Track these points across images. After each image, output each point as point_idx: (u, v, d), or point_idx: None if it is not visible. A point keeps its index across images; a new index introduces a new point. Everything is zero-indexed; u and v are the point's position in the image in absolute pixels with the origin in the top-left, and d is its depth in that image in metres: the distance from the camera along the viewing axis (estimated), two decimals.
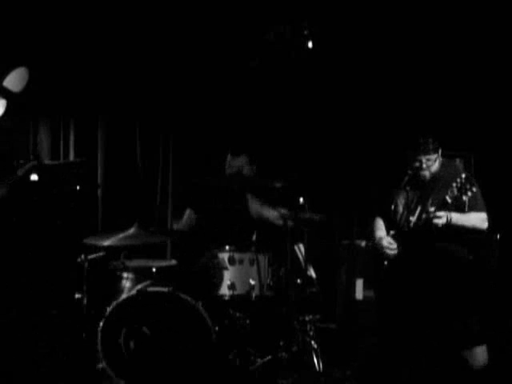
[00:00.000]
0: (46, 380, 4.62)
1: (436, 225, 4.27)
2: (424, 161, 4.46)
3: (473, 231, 4.42)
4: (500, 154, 5.77)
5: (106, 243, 4.52)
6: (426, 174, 4.50)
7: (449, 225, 4.29)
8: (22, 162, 5.23)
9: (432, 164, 4.47)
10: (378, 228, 4.71)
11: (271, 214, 4.93)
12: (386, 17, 5.57)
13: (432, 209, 4.29)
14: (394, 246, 4.48)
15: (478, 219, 4.41)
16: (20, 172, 4.93)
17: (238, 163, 5.05)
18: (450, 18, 5.53)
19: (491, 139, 5.79)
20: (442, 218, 4.25)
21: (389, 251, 4.48)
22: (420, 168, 4.48)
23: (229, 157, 5.12)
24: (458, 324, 4.37)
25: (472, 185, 4.17)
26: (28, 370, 4.76)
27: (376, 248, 4.62)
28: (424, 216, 4.35)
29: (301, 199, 4.60)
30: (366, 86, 5.91)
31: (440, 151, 4.52)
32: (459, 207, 4.32)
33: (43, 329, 5.37)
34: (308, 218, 4.62)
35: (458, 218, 4.32)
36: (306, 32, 4.81)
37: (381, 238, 4.57)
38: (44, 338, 5.27)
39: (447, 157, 4.67)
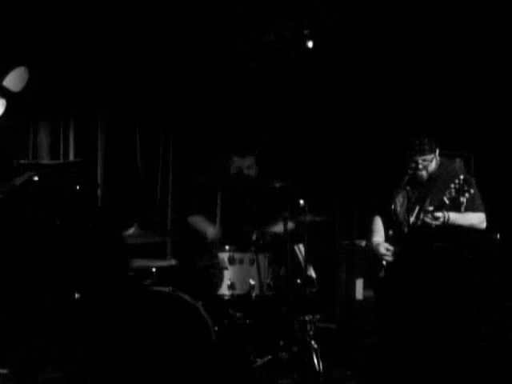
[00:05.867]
0: (46, 380, 4.62)
1: (431, 225, 4.29)
2: (420, 161, 4.47)
3: (472, 231, 4.43)
4: (500, 154, 5.77)
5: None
6: (424, 173, 4.51)
7: (446, 224, 4.31)
8: (22, 162, 5.23)
9: (428, 164, 4.49)
10: (375, 231, 4.71)
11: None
12: (386, 17, 5.57)
13: (430, 208, 4.31)
14: (391, 252, 4.50)
15: (475, 219, 4.44)
16: (17, 181, 4.93)
17: (245, 163, 5.03)
18: (450, 18, 5.53)
19: (491, 139, 5.79)
20: (438, 218, 4.28)
21: (387, 258, 4.50)
22: (416, 168, 4.49)
23: (235, 158, 5.08)
24: (458, 323, 4.37)
25: (470, 186, 4.19)
26: (28, 370, 4.77)
27: (372, 251, 4.63)
28: (422, 216, 4.37)
29: (301, 201, 4.59)
30: (367, 87, 5.91)
31: (437, 151, 4.52)
32: (456, 207, 4.34)
33: (43, 329, 5.37)
34: (309, 220, 4.61)
35: (456, 217, 4.35)
36: (306, 32, 4.82)
37: (378, 245, 4.58)
38: (44, 338, 5.27)
39: (447, 157, 4.68)
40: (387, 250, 4.51)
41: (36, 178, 4.97)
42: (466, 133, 5.77)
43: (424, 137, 4.48)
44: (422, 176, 4.52)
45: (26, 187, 4.97)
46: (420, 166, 4.48)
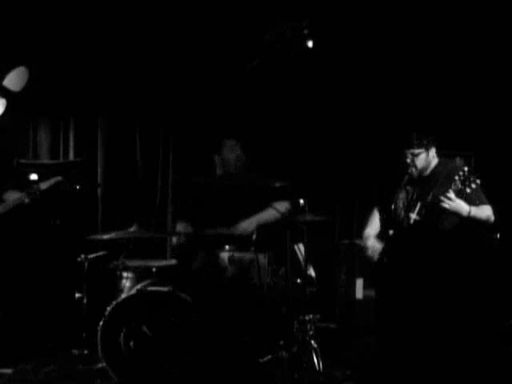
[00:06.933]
0: (47, 379, 4.63)
1: (444, 207, 4.22)
2: (409, 155, 4.45)
3: (483, 224, 4.40)
4: (500, 154, 5.77)
5: (107, 236, 4.54)
6: (413, 170, 4.48)
7: (469, 218, 4.28)
8: (22, 161, 5.24)
9: (416, 159, 4.44)
10: (369, 223, 4.70)
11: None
12: (386, 16, 5.57)
13: (451, 194, 4.18)
14: (378, 247, 4.50)
15: (489, 211, 4.40)
16: (44, 186, 4.94)
17: (226, 145, 5.01)
18: (451, 18, 5.53)
19: (491, 139, 5.79)
20: (453, 200, 4.19)
21: (370, 253, 4.51)
22: (408, 163, 4.47)
23: (224, 142, 5.07)
24: (460, 321, 4.37)
25: (475, 177, 4.15)
26: (29, 369, 4.78)
27: (362, 242, 4.64)
28: (424, 210, 4.34)
29: (301, 201, 4.59)
30: (367, 86, 5.91)
31: (432, 149, 4.49)
32: (464, 200, 4.29)
33: (43, 328, 5.38)
34: (309, 220, 4.61)
35: (475, 211, 4.31)
36: (306, 32, 4.81)
37: (367, 238, 4.59)
38: (44, 338, 5.28)
39: (447, 156, 4.67)
40: (374, 246, 4.51)
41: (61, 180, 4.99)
42: (466, 132, 5.76)
43: (414, 131, 4.47)
44: (411, 173, 4.50)
45: (53, 192, 4.99)
46: (408, 160, 4.46)
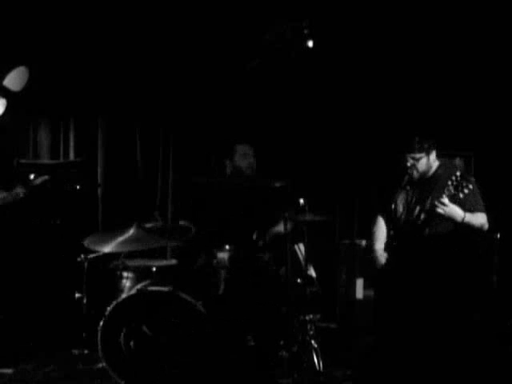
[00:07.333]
0: (47, 379, 4.63)
1: (439, 213, 4.22)
2: (409, 159, 4.46)
3: (476, 231, 4.40)
4: (500, 154, 5.77)
5: (107, 249, 4.53)
6: (414, 173, 4.49)
7: (463, 223, 4.28)
8: (22, 161, 5.24)
9: (417, 163, 4.45)
10: (378, 237, 4.67)
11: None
12: (387, 16, 5.57)
13: (445, 199, 4.19)
14: (385, 256, 4.52)
15: (483, 219, 4.39)
16: (35, 182, 4.94)
17: (243, 150, 5.02)
18: (450, 18, 5.53)
19: (491, 139, 5.79)
20: (447, 205, 4.20)
21: (378, 264, 4.53)
22: (408, 167, 4.48)
23: (237, 146, 5.08)
24: (460, 321, 4.37)
25: (468, 182, 4.15)
26: (29, 369, 4.78)
27: (373, 257, 4.63)
28: (423, 214, 4.34)
29: (301, 201, 4.59)
30: (367, 86, 5.91)
31: (432, 153, 4.49)
32: (457, 205, 4.29)
33: (43, 328, 5.38)
34: (309, 220, 4.61)
35: (469, 217, 4.30)
36: (306, 31, 4.81)
37: (382, 255, 4.57)
38: (44, 338, 5.28)
39: (447, 157, 4.67)
40: (381, 256, 4.53)
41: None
42: (466, 132, 5.77)
43: (416, 136, 4.48)
44: (412, 175, 4.50)
45: (42, 189, 4.99)
46: (408, 164, 4.47)
